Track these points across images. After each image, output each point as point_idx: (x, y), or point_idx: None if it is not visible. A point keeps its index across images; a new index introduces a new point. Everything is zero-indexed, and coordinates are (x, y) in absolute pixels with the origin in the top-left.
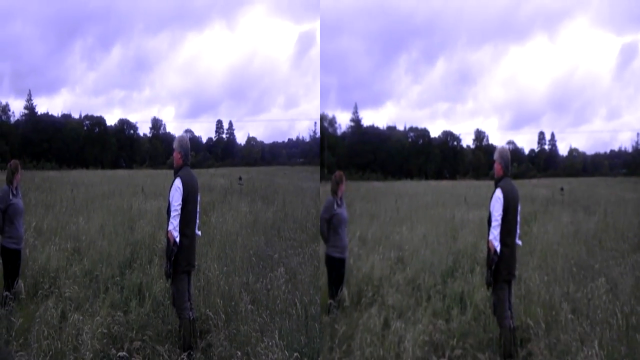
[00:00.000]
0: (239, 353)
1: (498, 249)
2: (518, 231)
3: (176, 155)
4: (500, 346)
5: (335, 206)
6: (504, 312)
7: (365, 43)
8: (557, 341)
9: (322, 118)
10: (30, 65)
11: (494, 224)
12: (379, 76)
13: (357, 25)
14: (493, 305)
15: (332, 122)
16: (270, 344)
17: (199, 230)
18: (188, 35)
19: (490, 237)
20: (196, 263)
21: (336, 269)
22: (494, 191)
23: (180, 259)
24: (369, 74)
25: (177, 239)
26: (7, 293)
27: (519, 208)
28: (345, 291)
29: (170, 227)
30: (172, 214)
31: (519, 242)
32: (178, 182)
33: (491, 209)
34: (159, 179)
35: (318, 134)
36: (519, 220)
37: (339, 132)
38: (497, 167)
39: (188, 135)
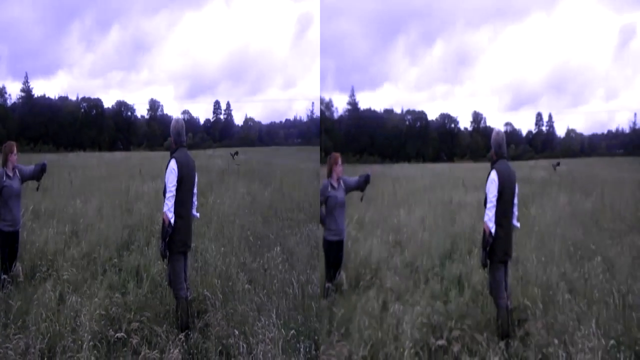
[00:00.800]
0: (236, 332)
1: (493, 230)
2: (516, 213)
3: (171, 139)
4: (497, 327)
5: (330, 188)
6: (499, 292)
7: (363, 25)
8: (554, 321)
9: (320, 101)
10: (27, 47)
11: (488, 205)
12: (376, 58)
13: (356, 7)
14: (489, 285)
15: (329, 105)
16: (267, 323)
17: (197, 212)
18: (186, 15)
19: (485, 218)
20: (193, 244)
21: (333, 252)
22: (489, 173)
23: (175, 239)
24: (366, 57)
25: (172, 220)
26: (5, 276)
27: (516, 190)
28: (343, 274)
29: (165, 209)
30: (167, 195)
31: (516, 223)
32: (173, 164)
33: (486, 191)
34: (156, 161)
35: (317, 115)
36: (515, 202)
37: (335, 115)
38: (491, 151)
39: (185, 116)
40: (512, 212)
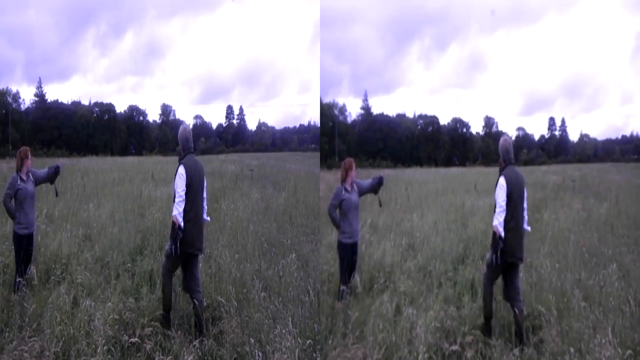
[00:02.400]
0: (252, 340)
1: (502, 234)
2: (526, 217)
3: (179, 146)
4: (514, 331)
5: (344, 192)
6: (489, 288)
7: (379, 31)
8: (569, 328)
9: (333, 106)
10: (42, 53)
11: (498, 210)
12: (390, 64)
13: (371, 14)
14: (503, 289)
15: (343, 110)
16: (283, 331)
17: (207, 216)
18: (199, 19)
19: (495, 222)
20: (205, 248)
21: (348, 254)
22: (498, 179)
23: (185, 241)
24: (381, 62)
25: (182, 224)
26: (20, 279)
27: (525, 194)
28: (357, 277)
29: (175, 213)
30: (177, 199)
31: (527, 227)
32: (181, 169)
33: (495, 197)
34: (168, 166)
35: (318, 124)
36: (525, 207)
37: (349, 120)
38: (500, 158)
39: (198, 121)
40: (522, 217)
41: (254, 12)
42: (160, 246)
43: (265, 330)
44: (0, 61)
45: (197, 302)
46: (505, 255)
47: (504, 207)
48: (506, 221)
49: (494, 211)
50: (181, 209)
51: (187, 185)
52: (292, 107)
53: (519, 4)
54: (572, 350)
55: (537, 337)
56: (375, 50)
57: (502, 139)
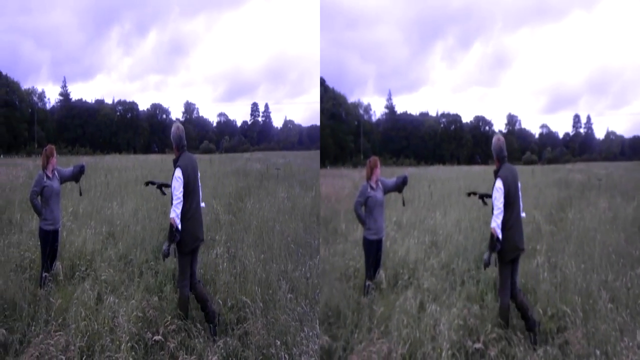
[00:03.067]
0: (278, 342)
1: (500, 236)
2: (521, 205)
3: (174, 147)
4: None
5: (369, 189)
6: (505, 290)
7: (403, 31)
8: (595, 330)
9: (358, 105)
10: (68, 53)
11: (496, 212)
12: (415, 63)
13: (396, 14)
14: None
15: (367, 109)
16: (310, 333)
17: (202, 202)
18: (224, 16)
19: (493, 224)
20: (232, 250)
21: (373, 250)
22: (495, 181)
23: (186, 240)
24: (405, 62)
25: (179, 226)
26: (46, 274)
27: (519, 185)
28: (382, 273)
29: (173, 215)
30: (175, 202)
31: (523, 214)
32: (178, 172)
33: (493, 199)
34: None
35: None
36: (520, 196)
37: (374, 119)
38: (495, 160)
39: (222, 119)
40: (519, 209)
41: (279, 8)
42: None
43: (291, 332)
44: (26, 61)
45: (183, 297)
46: (509, 252)
47: (502, 209)
48: (506, 220)
49: (492, 213)
50: (179, 211)
51: (184, 186)
52: (319, 104)
53: (543, 0)
54: (597, 352)
55: (562, 338)
56: (399, 50)
57: (495, 138)
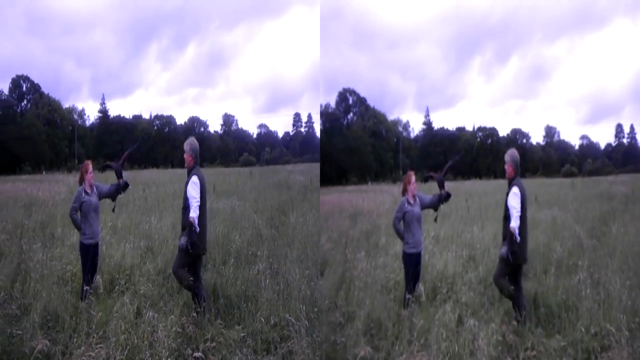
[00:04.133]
0: None
1: (518, 237)
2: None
3: (187, 157)
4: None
5: (407, 205)
6: (506, 284)
7: (441, 49)
8: None
9: (398, 123)
10: (107, 71)
11: (515, 214)
12: (452, 79)
13: (435, 32)
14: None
15: (406, 126)
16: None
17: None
18: (265, 25)
19: (514, 224)
20: (274, 266)
21: (412, 264)
22: (510, 189)
23: (196, 243)
24: (443, 79)
25: (197, 228)
26: (87, 287)
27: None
28: (421, 286)
29: (194, 215)
30: (194, 204)
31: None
32: (195, 179)
33: (509, 203)
34: (230, 177)
35: (316, 133)
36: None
37: (412, 135)
38: (509, 169)
39: (262, 130)
40: (526, 222)
41: (321, 16)
42: (223, 260)
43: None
44: (68, 81)
45: (187, 284)
46: (518, 257)
47: (520, 211)
48: (519, 228)
49: (504, 219)
50: (198, 212)
51: (200, 192)
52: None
53: (583, 9)
54: None
55: (606, 358)
56: (438, 67)
57: (511, 151)
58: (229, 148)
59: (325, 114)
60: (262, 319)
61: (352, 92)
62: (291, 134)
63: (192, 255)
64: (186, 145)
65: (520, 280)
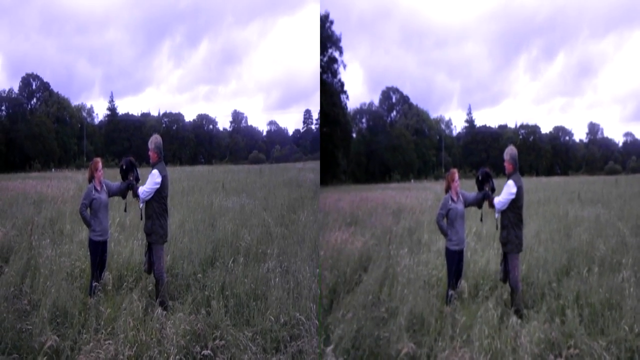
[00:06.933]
0: None
1: (497, 215)
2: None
3: (152, 154)
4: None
5: (450, 202)
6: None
7: (488, 47)
8: None
9: (440, 120)
10: (119, 69)
11: (502, 197)
12: (498, 77)
13: (481, 30)
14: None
15: (449, 124)
16: None
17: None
18: (279, 22)
19: (497, 201)
20: (284, 264)
21: (455, 260)
22: (506, 182)
23: (161, 233)
24: (489, 76)
25: (142, 205)
26: (96, 284)
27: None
28: (464, 283)
29: (142, 195)
30: (148, 188)
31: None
32: (155, 172)
33: (503, 190)
34: (240, 175)
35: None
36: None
37: (454, 133)
38: (508, 166)
39: (272, 127)
40: (522, 213)
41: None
42: (232, 258)
43: None
44: (80, 79)
45: (164, 282)
46: (517, 247)
47: (508, 200)
48: (515, 220)
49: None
50: (145, 197)
51: (161, 186)
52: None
53: (632, 5)
54: None
55: None
56: (484, 64)
57: (510, 148)
58: (238, 145)
59: (368, 112)
60: (271, 317)
61: (396, 91)
62: (302, 131)
63: (160, 244)
64: (150, 143)
65: (515, 269)
